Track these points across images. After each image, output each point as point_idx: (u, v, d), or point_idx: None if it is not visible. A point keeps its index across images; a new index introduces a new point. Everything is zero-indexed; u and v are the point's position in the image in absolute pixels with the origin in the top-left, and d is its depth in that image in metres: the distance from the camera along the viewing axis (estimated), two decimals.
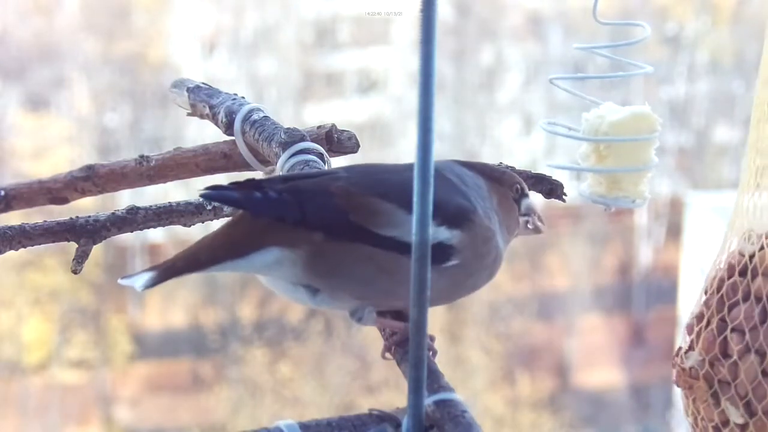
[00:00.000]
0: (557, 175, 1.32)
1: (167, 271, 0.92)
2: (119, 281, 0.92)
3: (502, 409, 10.53)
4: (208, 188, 0.94)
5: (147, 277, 0.91)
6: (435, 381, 0.90)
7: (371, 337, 8.67)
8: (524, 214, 1.07)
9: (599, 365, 11.39)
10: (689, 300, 10.80)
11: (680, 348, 1.14)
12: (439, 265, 0.95)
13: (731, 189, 11.46)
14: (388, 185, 0.96)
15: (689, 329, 1.14)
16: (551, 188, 1.30)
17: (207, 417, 10.49)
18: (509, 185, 1.06)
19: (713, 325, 1.10)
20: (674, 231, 11.47)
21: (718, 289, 1.11)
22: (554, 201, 1.31)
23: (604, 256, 11.85)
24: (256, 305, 11.25)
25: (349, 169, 1.01)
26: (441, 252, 0.95)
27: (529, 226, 1.07)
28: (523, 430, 10.58)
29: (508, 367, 10.89)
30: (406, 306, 0.95)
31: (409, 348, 0.80)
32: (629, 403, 11.07)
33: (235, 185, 0.95)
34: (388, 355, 0.99)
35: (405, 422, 0.82)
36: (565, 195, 1.30)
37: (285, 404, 10.28)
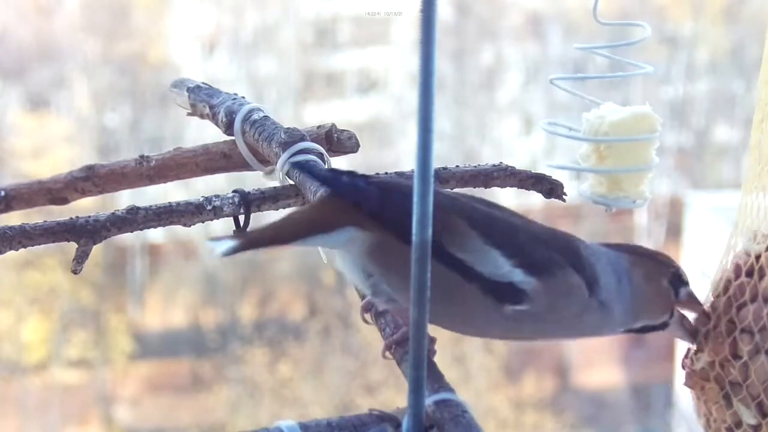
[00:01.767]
0: (557, 175, 1.32)
1: (252, 241, 0.93)
2: (207, 242, 0.92)
3: (505, 409, 10.53)
4: (297, 163, 0.96)
5: (230, 244, 0.90)
6: (435, 381, 0.90)
7: (371, 337, 8.66)
8: (682, 301, 1.07)
9: (599, 365, 11.38)
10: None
11: (689, 350, 1.14)
12: (508, 306, 0.96)
13: (731, 189, 11.46)
14: (475, 212, 0.97)
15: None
16: (551, 188, 1.30)
17: (207, 417, 10.49)
18: (663, 264, 1.06)
19: (722, 327, 1.09)
20: (674, 231, 11.46)
21: (725, 290, 1.11)
22: (554, 201, 1.31)
23: None
24: (256, 305, 11.24)
25: (447, 192, 1.03)
26: (512, 293, 0.95)
27: (685, 323, 1.08)
28: (525, 431, 10.58)
29: (509, 368, 10.89)
30: (466, 333, 1.00)
31: (409, 348, 0.80)
32: (629, 403, 11.07)
33: (332, 170, 0.99)
34: (388, 354, 0.99)
35: (405, 422, 0.82)
36: (565, 195, 1.31)
37: (285, 404, 10.27)
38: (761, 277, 1.09)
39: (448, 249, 0.94)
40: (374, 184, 0.96)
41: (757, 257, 1.10)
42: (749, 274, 1.10)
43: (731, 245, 1.14)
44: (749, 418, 1.08)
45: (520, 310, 0.96)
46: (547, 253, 0.98)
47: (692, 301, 1.08)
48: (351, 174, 0.97)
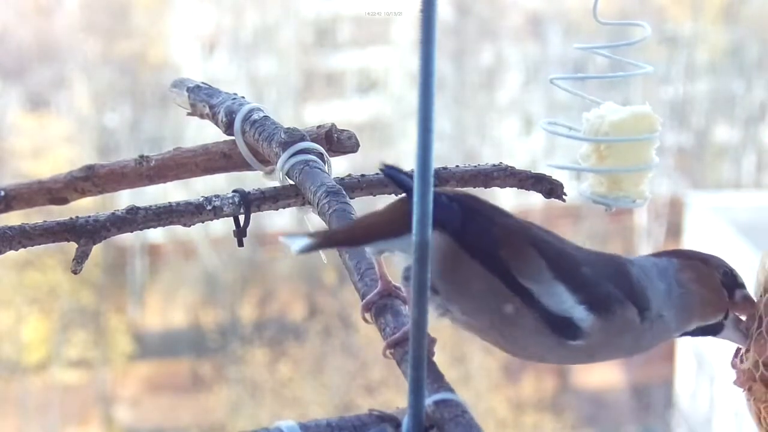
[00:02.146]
0: (557, 175, 1.32)
1: (327, 240, 0.95)
2: (280, 239, 0.93)
3: (505, 409, 10.53)
4: (388, 166, 0.97)
5: (306, 242, 0.91)
6: (435, 381, 0.90)
7: (371, 337, 8.66)
8: (738, 303, 1.06)
9: (599, 365, 11.37)
10: None
11: (739, 349, 1.14)
12: (564, 340, 0.97)
13: (731, 189, 11.46)
14: (550, 246, 0.98)
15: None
16: (551, 188, 1.30)
17: (207, 417, 10.48)
18: (715, 266, 1.05)
19: (764, 327, 1.10)
20: (674, 231, 11.46)
21: (767, 290, 1.11)
22: (554, 201, 1.31)
23: None
24: (256, 305, 11.25)
25: (523, 221, 1.02)
26: (569, 328, 0.96)
27: (741, 327, 1.07)
28: (525, 431, 10.58)
29: (509, 368, 10.88)
30: (530, 359, 1.01)
31: (409, 348, 0.80)
32: (629, 403, 11.07)
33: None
34: (388, 353, 0.99)
35: (405, 422, 0.82)
36: (565, 195, 1.30)
37: (285, 404, 10.27)
38: None
39: (517, 276, 0.95)
40: (456, 201, 0.96)
41: None
42: None
43: None
44: None
45: (576, 345, 0.98)
46: (608, 288, 0.99)
47: (748, 303, 1.07)
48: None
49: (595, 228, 11.40)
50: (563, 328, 0.96)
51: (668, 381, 10.34)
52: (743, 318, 1.08)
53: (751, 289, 1.10)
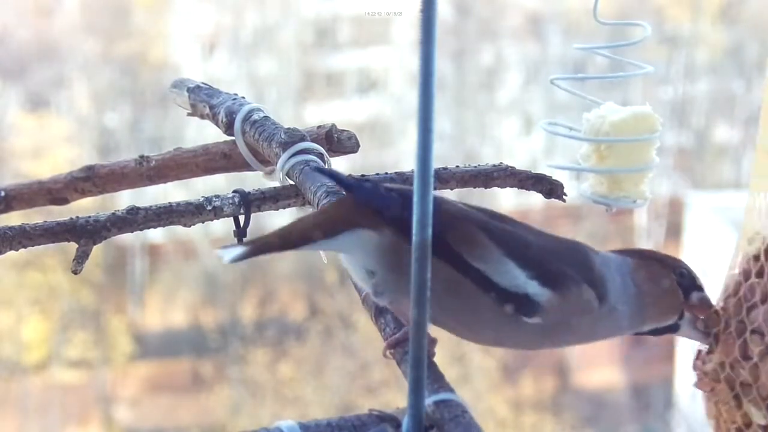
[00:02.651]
0: (557, 175, 1.32)
1: (262, 246, 0.93)
2: (217, 251, 0.93)
3: (504, 409, 10.54)
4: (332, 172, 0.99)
5: (239, 251, 0.91)
6: (435, 381, 0.90)
7: (371, 337, 8.66)
8: (695, 305, 1.06)
9: (599, 365, 11.38)
10: None
11: (700, 351, 1.14)
12: (522, 317, 0.96)
13: (731, 189, 11.46)
14: (498, 228, 0.97)
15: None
16: (551, 188, 1.30)
17: (207, 417, 10.49)
18: (671, 267, 1.05)
19: (732, 328, 1.09)
20: (674, 231, 11.47)
21: (735, 291, 1.11)
22: (554, 201, 1.31)
23: None
24: (257, 305, 11.25)
25: (467, 204, 1.02)
26: (526, 305, 0.96)
27: (698, 325, 1.07)
28: (525, 431, 10.59)
29: (508, 368, 10.89)
30: (479, 341, 1.00)
31: (409, 348, 0.80)
32: (629, 403, 11.07)
33: (353, 176, 1.01)
34: (388, 353, 0.99)
35: (405, 422, 0.82)
36: (565, 195, 1.31)
37: (285, 404, 10.28)
38: None
39: (466, 258, 0.95)
40: (395, 191, 0.97)
41: (765, 258, 1.10)
42: (759, 275, 1.10)
43: (740, 246, 1.14)
44: (759, 418, 1.08)
45: (535, 324, 0.97)
46: (561, 267, 0.99)
47: (704, 305, 1.07)
48: (371, 181, 0.98)
49: (595, 228, 11.40)
50: (520, 304, 0.95)
51: (668, 381, 10.35)
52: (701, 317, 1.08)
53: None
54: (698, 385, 1.13)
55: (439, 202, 0.96)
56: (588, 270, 1.00)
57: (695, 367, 1.14)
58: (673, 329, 1.07)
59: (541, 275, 0.97)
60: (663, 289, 1.04)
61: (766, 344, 1.07)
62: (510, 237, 0.97)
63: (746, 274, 1.11)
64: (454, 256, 0.95)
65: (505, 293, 0.96)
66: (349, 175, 1.01)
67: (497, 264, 0.95)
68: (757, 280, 1.10)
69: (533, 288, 0.96)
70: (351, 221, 0.95)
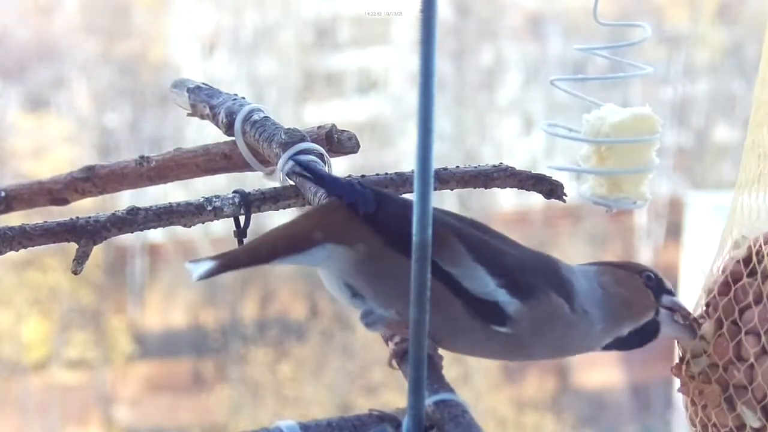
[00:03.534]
0: (557, 176, 1.32)
1: (230, 262, 0.93)
2: (186, 264, 0.92)
3: (505, 409, 10.53)
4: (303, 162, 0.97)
5: (208, 266, 0.91)
6: (435, 381, 0.90)
7: (371, 338, 8.66)
8: (667, 307, 1.05)
9: (599, 365, 11.38)
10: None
11: (684, 356, 1.13)
12: (490, 326, 0.95)
13: (731, 189, 11.45)
14: (469, 234, 0.97)
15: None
16: (551, 188, 1.30)
17: (207, 417, 10.48)
18: (638, 271, 1.04)
19: (724, 330, 1.09)
20: (674, 231, 11.46)
21: (722, 292, 1.11)
22: (554, 201, 1.31)
23: (604, 256, 11.82)
24: (258, 305, 11.24)
25: (440, 209, 1.01)
26: (496, 313, 0.95)
27: (677, 318, 1.05)
28: (525, 431, 10.59)
29: (508, 368, 10.88)
30: (446, 348, 0.99)
31: (409, 348, 0.80)
32: (629, 403, 11.07)
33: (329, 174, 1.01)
34: (394, 363, 0.99)
35: (405, 422, 0.82)
36: (565, 195, 1.31)
37: (286, 404, 10.27)
38: (765, 278, 1.08)
39: (437, 260, 0.93)
40: (370, 188, 0.97)
41: (758, 260, 1.09)
42: (751, 275, 1.10)
43: (724, 248, 1.14)
44: (754, 421, 1.07)
45: (505, 334, 0.96)
46: (533, 277, 0.98)
47: (676, 307, 1.06)
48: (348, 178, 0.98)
49: (595, 228, 11.40)
50: (489, 312, 0.95)
51: (668, 381, 10.33)
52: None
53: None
54: (682, 390, 1.12)
55: (410, 201, 0.97)
56: (556, 278, 1.00)
57: (676, 373, 1.13)
58: (654, 327, 1.05)
59: (511, 284, 0.96)
60: (631, 290, 1.03)
61: (762, 345, 1.07)
62: (481, 243, 0.96)
63: (736, 276, 1.11)
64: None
65: (475, 300, 0.95)
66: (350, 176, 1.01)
67: (468, 269, 0.94)
68: (749, 281, 1.09)
69: (503, 296, 0.95)
70: (322, 235, 0.95)
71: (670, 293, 1.05)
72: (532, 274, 0.98)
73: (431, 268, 0.92)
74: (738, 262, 1.11)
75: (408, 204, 0.95)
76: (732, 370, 1.08)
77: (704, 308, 1.13)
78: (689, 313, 1.07)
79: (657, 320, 1.05)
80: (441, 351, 0.98)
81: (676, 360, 1.16)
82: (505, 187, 1.31)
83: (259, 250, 0.95)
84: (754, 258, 1.09)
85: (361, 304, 0.98)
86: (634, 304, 1.03)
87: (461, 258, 0.94)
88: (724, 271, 1.12)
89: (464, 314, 0.94)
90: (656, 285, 1.04)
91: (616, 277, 1.03)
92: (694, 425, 1.12)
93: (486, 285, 0.95)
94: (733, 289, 1.09)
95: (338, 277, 0.97)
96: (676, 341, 1.14)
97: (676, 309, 1.05)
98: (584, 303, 1.00)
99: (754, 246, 1.10)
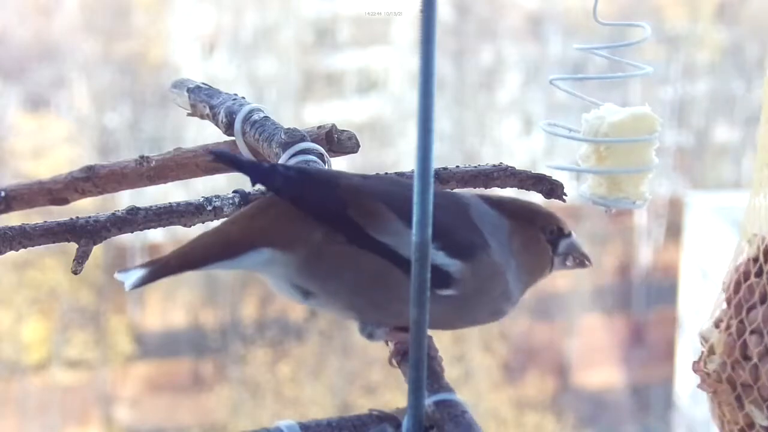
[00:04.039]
0: (557, 176, 1.31)
1: (160, 269, 0.91)
2: (115, 275, 0.90)
3: (505, 409, 10.54)
4: (217, 151, 0.94)
5: (138, 275, 0.89)
6: (435, 381, 0.90)
7: None
8: (563, 254, 1.04)
9: (599, 365, 11.39)
10: (689, 300, 10.80)
11: (703, 352, 1.13)
12: (434, 291, 0.89)
13: (731, 189, 11.46)
14: (394, 196, 0.94)
15: (707, 334, 1.13)
16: (551, 188, 1.30)
17: (207, 417, 10.49)
18: (541, 226, 1.03)
19: (732, 329, 1.09)
20: (674, 231, 11.47)
21: (735, 292, 1.11)
22: (554, 201, 1.31)
23: (604, 256, 11.85)
24: (257, 305, 11.25)
25: (365, 176, 0.99)
26: (437, 277, 0.90)
27: (568, 263, 1.04)
28: (525, 431, 10.59)
29: (509, 368, 10.89)
30: (400, 323, 0.95)
31: (409, 348, 0.80)
32: (629, 403, 11.07)
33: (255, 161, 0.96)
34: (394, 362, 0.98)
35: (405, 422, 0.82)
36: (565, 195, 1.30)
37: (285, 404, 10.28)
38: None
39: (371, 233, 0.91)
40: (294, 170, 0.95)
41: (764, 259, 1.09)
42: (758, 275, 1.10)
43: (740, 247, 1.13)
44: (761, 419, 1.07)
45: (450, 297, 0.94)
46: (466, 233, 0.96)
47: (572, 249, 1.04)
48: (272, 164, 0.94)
49: (595, 228, 11.41)
50: (433, 279, 0.88)
51: (668, 381, 10.34)
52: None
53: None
54: (701, 386, 1.13)
55: (337, 178, 0.94)
56: (477, 230, 0.97)
57: (695, 370, 1.13)
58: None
59: (448, 244, 0.94)
60: (535, 254, 1.02)
61: (765, 345, 1.07)
62: (406, 202, 0.87)
63: (746, 275, 1.11)
64: (359, 233, 0.91)
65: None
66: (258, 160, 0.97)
67: (401, 236, 0.91)
68: (756, 280, 1.10)
69: (442, 259, 0.93)
70: (257, 239, 0.92)
71: (568, 235, 1.04)
72: (464, 229, 0.96)
73: (367, 241, 0.91)
74: (749, 260, 1.11)
75: (338, 182, 0.93)
76: (739, 369, 1.08)
77: (725, 306, 1.13)
78: (581, 254, 1.06)
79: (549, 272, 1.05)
80: (441, 352, 0.98)
81: (675, 358, 1.16)
82: (505, 187, 1.31)
83: (189, 255, 0.92)
84: (761, 257, 1.09)
85: (317, 303, 0.95)
86: (537, 268, 1.02)
87: (393, 226, 0.92)
88: (738, 269, 1.12)
89: (407, 284, 0.85)
90: (556, 236, 1.03)
91: (523, 239, 1.01)
92: (714, 419, 1.13)
93: None
94: (742, 287, 1.10)
95: (284, 280, 0.94)
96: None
97: (569, 253, 1.04)
98: (501, 259, 0.98)
99: (762, 245, 1.10)
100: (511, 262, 0.99)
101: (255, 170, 0.93)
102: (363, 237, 0.91)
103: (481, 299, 0.96)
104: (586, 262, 1.04)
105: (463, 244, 0.95)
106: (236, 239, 0.92)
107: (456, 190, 1.07)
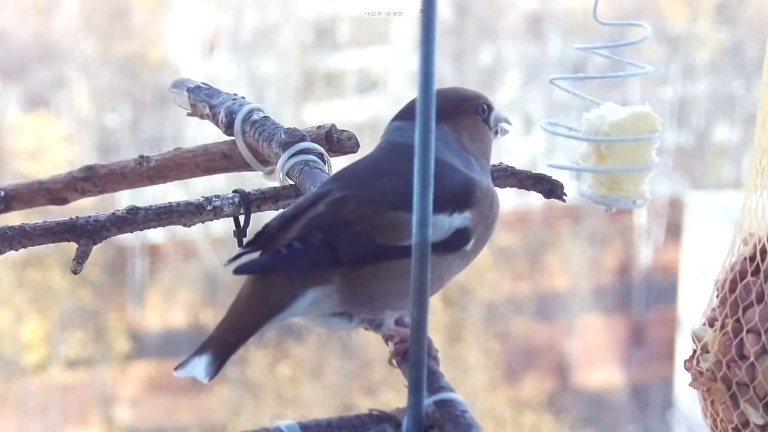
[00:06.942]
0: (557, 175, 1.31)
1: (225, 351, 0.93)
2: (175, 374, 0.92)
3: (504, 409, 10.53)
4: (235, 260, 0.94)
5: (205, 364, 0.92)
6: (435, 381, 0.90)
7: (371, 337, 8.66)
8: (494, 127, 1.08)
9: (599, 365, 11.38)
10: (689, 300, 10.81)
11: (695, 351, 1.13)
12: (460, 250, 0.96)
13: (731, 189, 11.46)
14: (393, 193, 0.95)
15: (700, 333, 1.13)
16: (551, 188, 1.30)
17: (207, 417, 10.48)
18: (474, 110, 1.06)
19: (728, 328, 1.09)
20: (674, 231, 11.46)
21: (731, 291, 1.11)
22: (554, 201, 1.31)
23: (604, 256, 11.85)
24: None
25: (338, 180, 1.00)
26: (459, 238, 0.96)
27: (499, 134, 1.08)
28: (525, 431, 10.58)
29: (508, 368, 10.88)
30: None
31: (409, 348, 0.80)
32: (629, 403, 11.07)
33: (252, 244, 0.96)
34: (394, 362, 0.99)
35: (405, 422, 0.82)
36: (565, 195, 1.30)
37: (285, 404, 10.27)
38: (767, 278, 1.08)
39: (401, 244, 0.92)
40: (306, 236, 0.93)
41: (762, 258, 1.09)
42: (755, 274, 1.09)
43: (734, 246, 1.13)
44: (756, 418, 1.07)
45: (471, 245, 0.97)
46: (457, 181, 0.98)
47: (501, 121, 1.08)
48: (272, 238, 0.95)
49: (595, 228, 11.40)
50: (456, 241, 0.95)
51: (668, 381, 10.34)
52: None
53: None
54: (693, 384, 1.13)
55: (341, 214, 0.95)
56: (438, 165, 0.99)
57: (687, 368, 1.13)
58: None
59: (455, 205, 0.96)
60: (480, 138, 1.05)
61: (762, 344, 1.07)
62: (406, 194, 0.86)
63: (742, 274, 1.11)
64: (394, 251, 0.93)
65: (444, 245, 0.95)
66: (250, 242, 0.98)
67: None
68: (752, 279, 1.09)
69: (457, 221, 0.96)
70: (293, 288, 0.93)
71: (492, 108, 1.07)
72: (458, 176, 0.98)
73: (401, 254, 0.91)
74: (745, 259, 1.11)
75: (334, 215, 0.94)
76: (734, 368, 1.08)
77: (717, 305, 1.13)
78: (506, 120, 1.09)
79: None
80: (439, 350, 0.99)
81: (675, 358, 1.16)
82: (505, 187, 1.31)
83: (243, 323, 0.93)
84: (758, 256, 1.09)
85: (360, 321, 0.97)
86: (488, 150, 1.06)
87: (405, 229, 0.91)
88: (733, 268, 1.12)
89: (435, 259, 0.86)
90: (488, 112, 1.06)
91: (471, 134, 1.03)
92: (706, 418, 1.13)
93: (442, 227, 0.95)
94: (738, 286, 1.10)
95: (328, 312, 0.95)
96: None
97: (499, 123, 1.08)
98: (479, 177, 1.01)
99: (759, 244, 1.10)
100: (475, 165, 1.01)
101: (282, 263, 0.92)
102: (397, 252, 0.93)
103: (487, 224, 0.99)
104: (510, 126, 1.08)
105: (463, 195, 0.97)
106: (280, 292, 0.93)
107: (382, 144, 1.10)
